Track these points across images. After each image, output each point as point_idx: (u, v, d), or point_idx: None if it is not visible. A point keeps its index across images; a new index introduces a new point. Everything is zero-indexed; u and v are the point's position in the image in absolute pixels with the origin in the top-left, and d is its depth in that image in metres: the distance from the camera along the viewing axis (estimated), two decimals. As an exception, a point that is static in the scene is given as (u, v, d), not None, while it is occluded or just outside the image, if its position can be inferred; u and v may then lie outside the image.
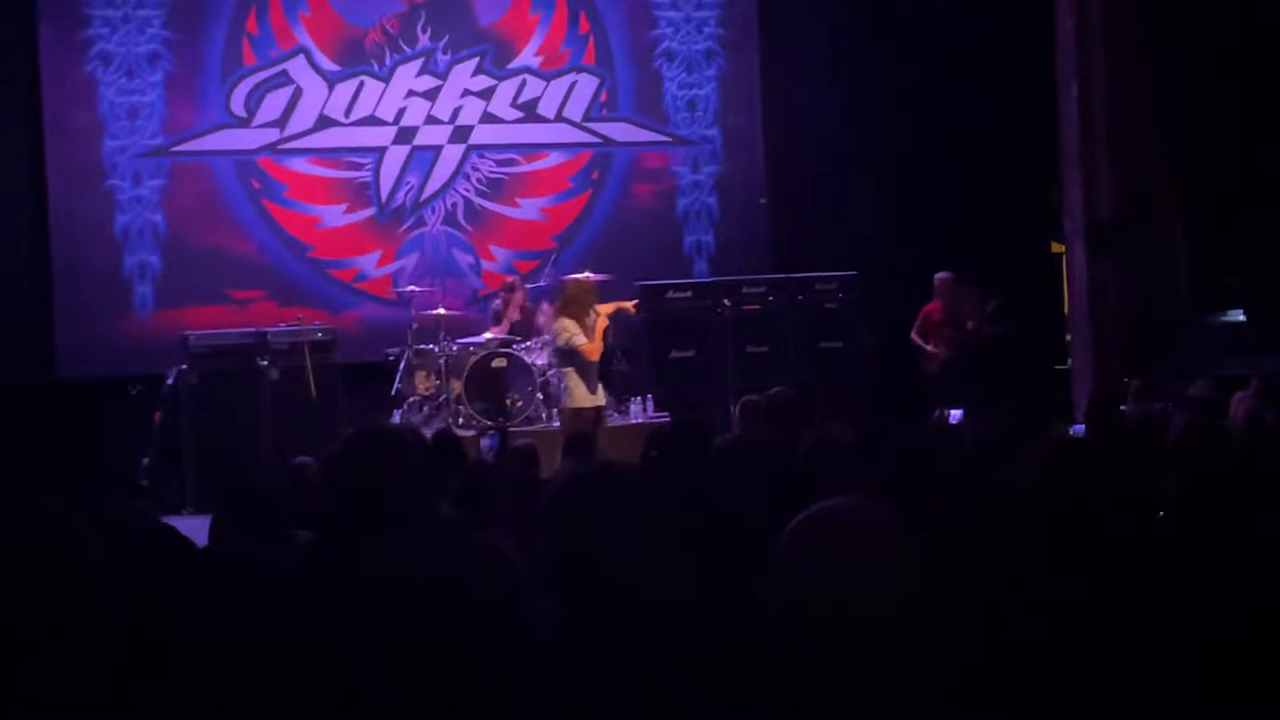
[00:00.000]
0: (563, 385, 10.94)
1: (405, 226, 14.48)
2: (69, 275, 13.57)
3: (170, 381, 12.28)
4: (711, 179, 15.33)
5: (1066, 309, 14.91)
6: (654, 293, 13.39)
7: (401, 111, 14.46)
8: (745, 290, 13.77)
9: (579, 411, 10.76)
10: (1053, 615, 3.17)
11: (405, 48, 14.46)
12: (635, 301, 12.52)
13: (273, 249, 14.14)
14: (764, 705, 2.30)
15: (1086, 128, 13.90)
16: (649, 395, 12.96)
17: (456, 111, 14.61)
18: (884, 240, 14.67)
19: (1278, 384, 9.69)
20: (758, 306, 13.70)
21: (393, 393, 12.91)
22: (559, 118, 14.90)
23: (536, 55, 14.83)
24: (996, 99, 14.42)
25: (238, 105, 14.06)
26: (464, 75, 14.62)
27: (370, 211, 14.41)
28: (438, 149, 14.58)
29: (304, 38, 14.22)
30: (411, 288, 13.51)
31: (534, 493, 5.34)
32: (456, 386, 12.41)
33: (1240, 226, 13.65)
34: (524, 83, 14.78)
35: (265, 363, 12.32)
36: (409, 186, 14.49)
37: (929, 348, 13.73)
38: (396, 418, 12.47)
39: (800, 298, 13.81)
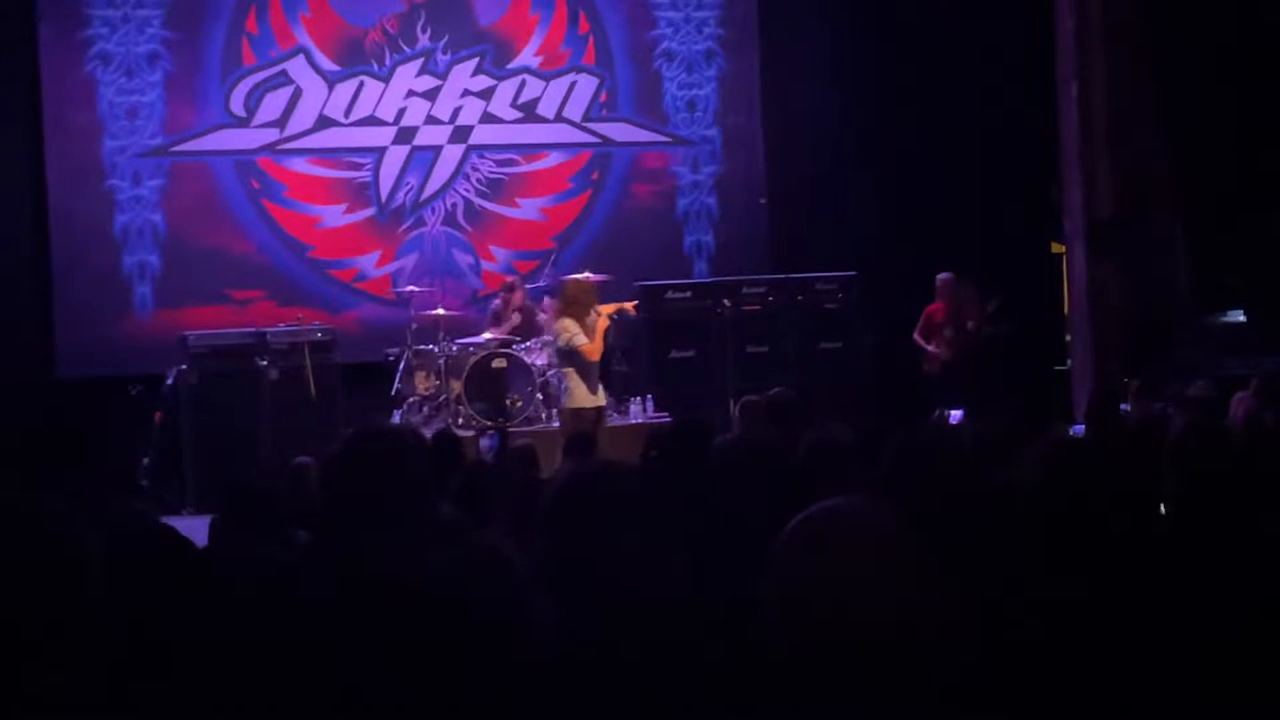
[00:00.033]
0: (563, 385, 10.94)
1: (405, 227, 14.48)
2: (69, 275, 13.57)
3: (170, 381, 12.28)
4: (711, 179, 15.33)
5: (1066, 309, 14.92)
6: (654, 293, 13.39)
7: (401, 112, 14.46)
8: (745, 290, 13.76)
9: (579, 412, 10.75)
10: (1053, 615, 3.17)
11: (405, 48, 14.46)
12: (635, 302, 12.52)
13: (272, 249, 14.14)
14: (764, 705, 2.30)
15: (1086, 128, 13.90)
16: (649, 395, 12.96)
17: (456, 112, 14.61)
18: (884, 240, 14.67)
19: (1277, 384, 9.70)
20: (758, 306, 13.70)
21: (392, 393, 12.91)
22: (559, 118, 14.90)
23: (536, 55, 14.83)
24: (996, 99, 14.42)
25: (237, 105, 14.06)
26: (464, 75, 14.62)
27: (370, 212, 14.41)
28: (437, 149, 14.58)
29: (304, 38, 14.22)
30: (411, 288, 13.51)
31: (534, 493, 5.35)
32: (456, 387, 12.41)
33: (1240, 226, 13.65)
34: (524, 83, 14.78)
35: (265, 363, 12.32)
36: (409, 187, 14.49)
37: (931, 348, 13.73)
38: (396, 418, 12.47)
39: (800, 298, 13.81)
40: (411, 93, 14.48)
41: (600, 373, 11.15)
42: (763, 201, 15.33)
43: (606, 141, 15.06)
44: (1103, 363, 13.69)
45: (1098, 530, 3.46)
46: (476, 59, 14.66)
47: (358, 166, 14.39)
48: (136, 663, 2.68)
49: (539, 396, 12.40)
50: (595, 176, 15.02)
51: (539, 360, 12.49)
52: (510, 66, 14.74)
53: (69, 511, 2.15)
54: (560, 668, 2.50)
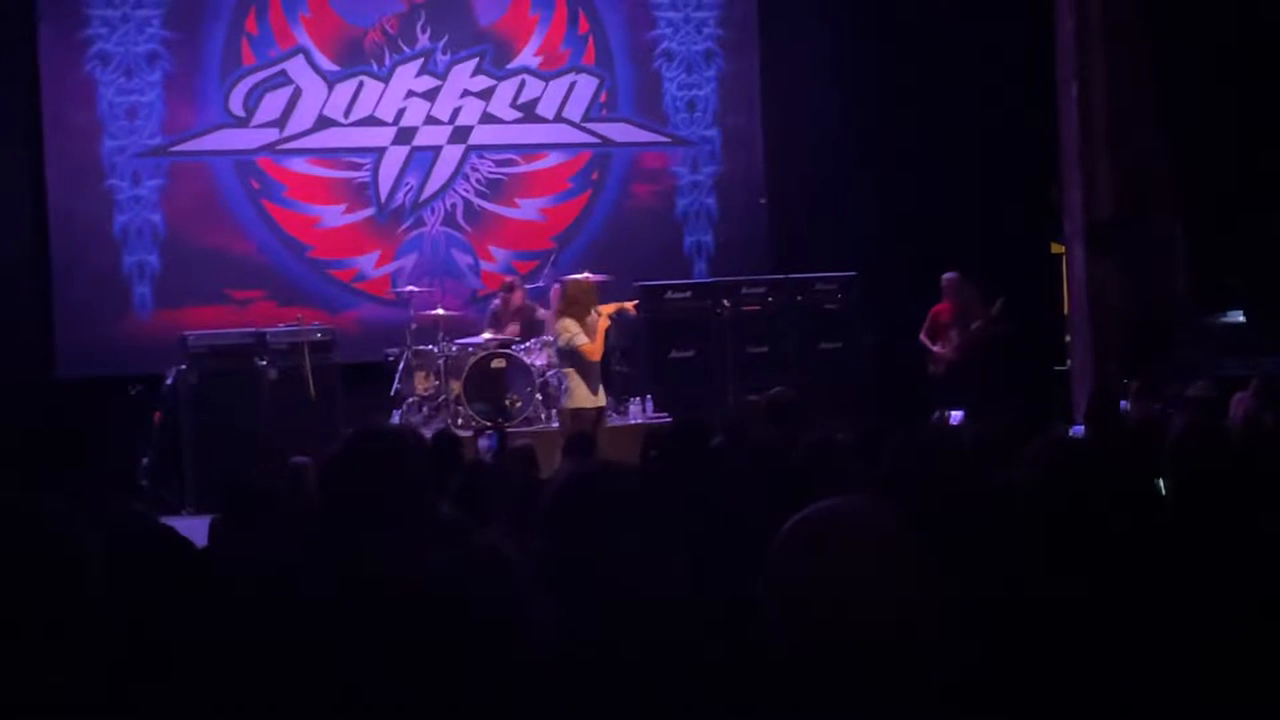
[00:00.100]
0: (564, 385, 10.94)
1: (404, 227, 14.48)
2: (68, 275, 13.57)
3: (170, 381, 12.28)
4: (711, 179, 15.33)
5: (1066, 309, 14.91)
6: (654, 293, 13.39)
7: (401, 112, 14.46)
8: (745, 290, 13.76)
9: (579, 412, 10.75)
10: (1053, 615, 3.17)
11: (405, 48, 14.46)
12: (635, 302, 12.52)
13: (272, 249, 14.14)
14: (764, 705, 2.30)
15: (1086, 128, 13.90)
16: (649, 395, 12.96)
17: (456, 112, 14.61)
18: (884, 240, 14.67)
19: (1277, 384, 9.70)
20: (757, 307, 13.70)
21: (392, 393, 12.91)
22: (558, 118, 14.89)
23: (536, 55, 14.83)
24: (996, 99, 14.42)
25: (237, 105, 14.06)
26: (463, 75, 14.62)
27: (369, 212, 14.41)
28: (437, 149, 14.58)
29: (303, 38, 14.22)
30: (410, 288, 13.51)
31: (533, 493, 5.35)
32: (456, 387, 12.41)
33: (1240, 226, 13.65)
34: (523, 83, 14.78)
35: (264, 363, 12.32)
36: (408, 187, 14.49)
37: (937, 349, 13.71)
38: (396, 418, 12.48)
39: (800, 298, 13.81)
40: (411, 93, 14.48)
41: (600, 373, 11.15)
42: (763, 201, 15.33)
43: (606, 142, 15.06)
44: (1103, 363, 13.69)
45: (1097, 530, 3.46)
46: (476, 59, 14.66)
47: (357, 166, 14.39)
48: (136, 663, 2.68)
49: (538, 397, 12.40)
50: (595, 177, 15.02)
51: (538, 360, 12.49)
52: (510, 67, 14.74)
53: (69, 511, 2.15)
54: (560, 668, 2.50)
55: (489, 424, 12.13)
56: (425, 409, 12.75)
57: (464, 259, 14.61)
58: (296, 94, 14.20)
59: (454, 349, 12.72)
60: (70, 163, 13.62)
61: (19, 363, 13.08)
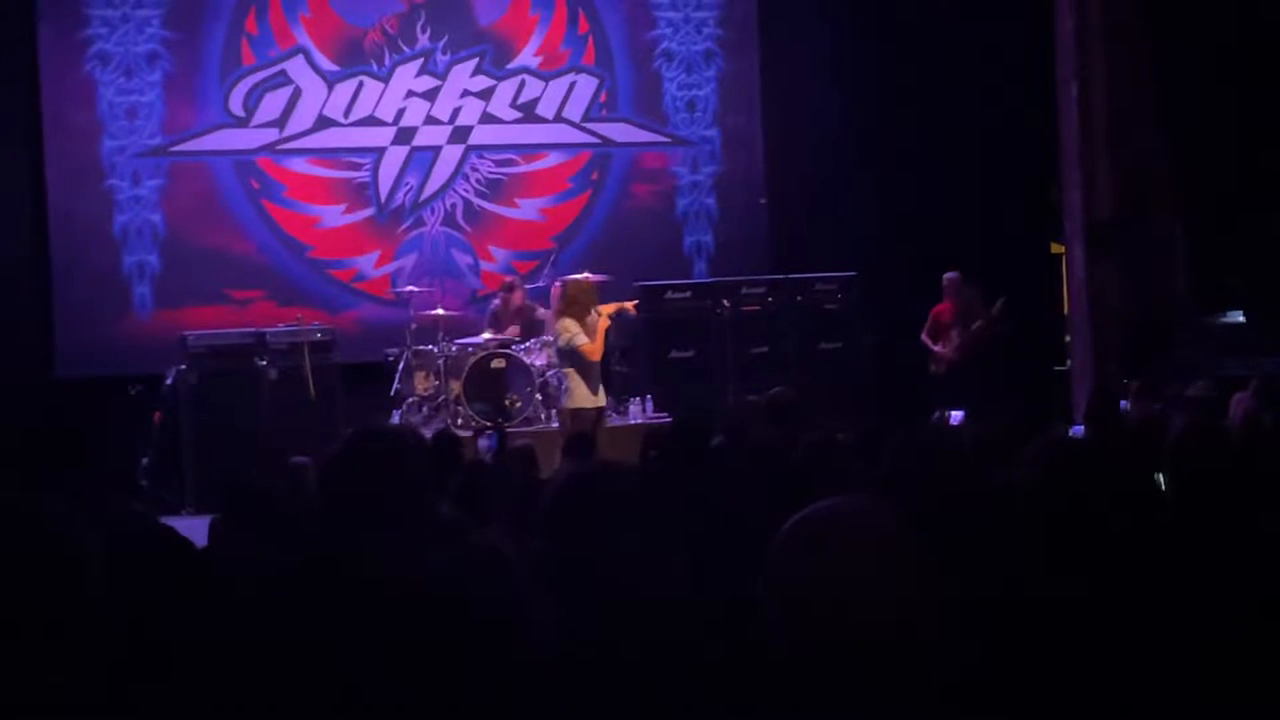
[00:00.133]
0: (564, 385, 10.93)
1: (404, 227, 14.48)
2: (68, 275, 13.57)
3: (170, 381, 12.28)
4: (711, 179, 15.33)
5: (1066, 309, 14.91)
6: (653, 293, 13.39)
7: (401, 112, 14.46)
8: (745, 290, 13.77)
9: (579, 412, 10.75)
10: (1053, 615, 3.17)
11: (405, 48, 14.46)
12: (635, 302, 12.52)
13: (272, 249, 14.14)
14: (764, 705, 2.30)
15: (1086, 128, 13.90)
16: (649, 395, 12.96)
17: (456, 112, 14.61)
18: (884, 240, 14.67)
19: (1277, 385, 9.70)
20: (757, 307, 13.70)
21: (392, 393, 12.91)
22: (558, 118, 14.90)
23: (536, 55, 14.83)
24: (996, 99, 14.42)
25: (237, 105, 14.06)
26: (463, 75, 14.62)
27: (369, 212, 14.41)
28: (437, 149, 14.58)
29: (303, 38, 14.22)
30: (410, 288, 13.51)
31: (533, 493, 5.35)
32: (455, 387, 12.41)
33: (1240, 226, 13.65)
34: (523, 83, 14.78)
35: (264, 363, 12.32)
36: (408, 187, 14.49)
37: (938, 349, 13.71)
38: (396, 418, 12.48)
39: (800, 298, 13.81)
40: (411, 93, 14.48)
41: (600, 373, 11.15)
42: (762, 201, 15.33)
43: (606, 142, 15.06)
44: (1103, 363, 13.69)
45: (1097, 530, 3.46)
46: (476, 59, 14.66)
47: (357, 166, 14.39)
48: (136, 663, 2.68)
49: (538, 397, 12.40)
50: (595, 177, 15.02)
51: (538, 360, 12.49)
52: (510, 67, 14.74)
53: (69, 511, 2.15)
54: (560, 668, 2.50)
55: (489, 424, 12.12)
56: (425, 409, 12.75)
57: (464, 259, 14.61)
58: (296, 94, 14.20)
59: (454, 349, 12.72)
60: (70, 163, 13.62)
61: (19, 363, 13.09)
